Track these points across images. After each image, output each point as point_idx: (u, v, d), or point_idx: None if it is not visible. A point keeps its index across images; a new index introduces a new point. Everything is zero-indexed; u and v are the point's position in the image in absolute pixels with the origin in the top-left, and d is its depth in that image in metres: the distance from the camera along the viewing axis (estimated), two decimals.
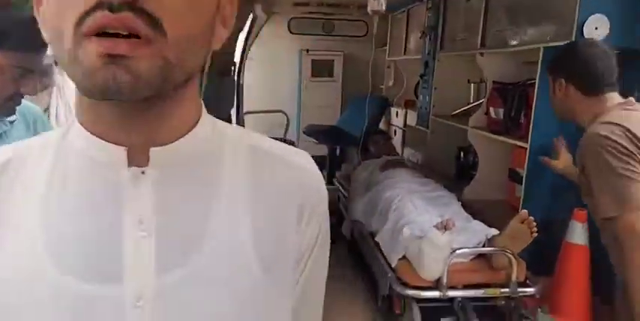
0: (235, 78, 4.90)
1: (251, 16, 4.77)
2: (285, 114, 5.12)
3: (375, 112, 5.28)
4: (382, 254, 2.55)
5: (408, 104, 4.89)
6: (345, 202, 3.73)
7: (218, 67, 3.44)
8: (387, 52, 5.40)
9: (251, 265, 0.56)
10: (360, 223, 3.16)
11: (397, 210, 2.72)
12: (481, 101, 3.53)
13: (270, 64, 5.90)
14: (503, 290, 2.23)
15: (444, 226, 2.11)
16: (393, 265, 2.37)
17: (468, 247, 2.25)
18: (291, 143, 4.69)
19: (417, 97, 4.55)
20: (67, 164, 0.57)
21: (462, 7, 3.61)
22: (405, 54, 4.86)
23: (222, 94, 3.93)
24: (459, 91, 4.04)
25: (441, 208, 2.77)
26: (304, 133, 5.03)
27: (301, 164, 0.63)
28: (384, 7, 3.34)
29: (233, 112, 5.01)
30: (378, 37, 4.74)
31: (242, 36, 4.78)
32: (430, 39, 4.06)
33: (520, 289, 2.23)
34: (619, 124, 1.64)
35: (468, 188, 3.36)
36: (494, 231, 2.33)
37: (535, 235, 2.17)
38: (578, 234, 2.35)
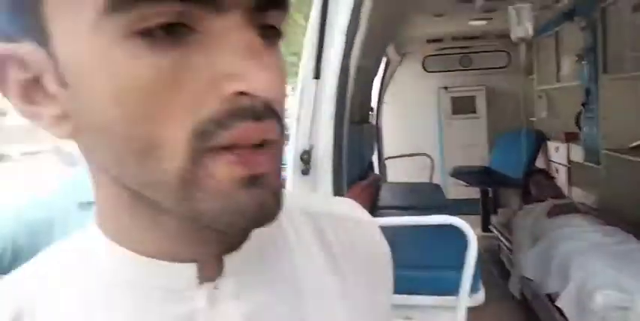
0: (374, 123, 4.73)
1: (385, 59, 4.61)
2: (429, 156, 4.80)
3: (530, 148, 4.79)
4: None
5: (570, 137, 4.33)
6: (509, 253, 3.29)
7: (357, 114, 3.25)
8: (535, 80, 4.92)
9: None
10: (532, 281, 2.71)
11: (582, 268, 2.26)
12: None
13: (408, 106, 5.66)
14: None
15: None
16: None
17: None
18: (437, 187, 4.34)
19: (579, 129, 4.01)
20: (103, 305, 0.40)
21: (627, 21, 3.12)
22: (558, 81, 4.36)
23: (362, 142, 3.76)
24: (636, 119, 3.47)
25: (635, 268, 2.26)
26: (451, 175, 4.66)
27: (356, 216, 0.55)
28: (530, 32, 2.98)
29: (375, 158, 4.82)
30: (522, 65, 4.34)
31: (377, 80, 4.60)
32: (589, 62, 3.58)
33: None
34: None
35: None
36: None
37: None
38: None
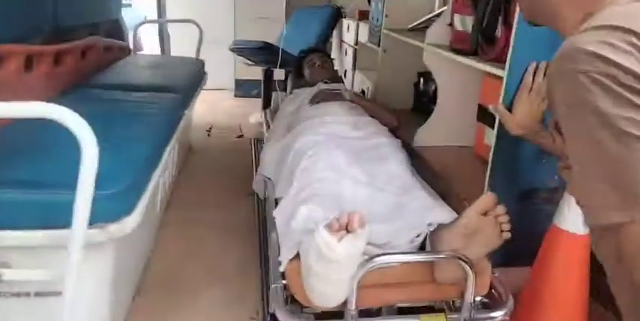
0: None
1: None
2: (197, 24, 4.03)
3: (322, 25, 4.24)
4: (278, 245, 1.65)
5: (362, 15, 3.84)
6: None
7: None
8: None
9: None
10: (271, 182, 2.25)
11: (306, 171, 1.82)
12: (444, 8, 2.55)
13: None
14: (452, 316, 1.37)
15: (342, 227, 1.19)
16: (281, 269, 1.48)
17: (391, 253, 1.36)
18: (197, 63, 3.68)
19: (369, 4, 3.52)
20: None
21: None
22: None
23: None
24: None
25: (371, 166, 1.87)
26: (231, 50, 4.00)
27: None
28: None
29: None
30: None
31: None
32: None
33: (480, 316, 1.37)
34: (626, 29, 0.72)
35: (421, 130, 2.45)
36: (443, 216, 1.45)
37: (507, 236, 1.29)
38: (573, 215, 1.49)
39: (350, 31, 3.98)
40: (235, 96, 5.28)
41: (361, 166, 1.85)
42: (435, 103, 2.80)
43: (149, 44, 5.45)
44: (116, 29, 3.63)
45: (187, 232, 2.55)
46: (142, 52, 4.80)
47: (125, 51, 3.70)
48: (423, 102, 2.95)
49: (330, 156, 1.86)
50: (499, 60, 1.74)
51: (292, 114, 2.71)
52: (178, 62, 3.68)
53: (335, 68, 3.26)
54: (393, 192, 1.70)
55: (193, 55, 3.94)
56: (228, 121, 4.45)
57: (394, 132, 2.38)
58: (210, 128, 4.21)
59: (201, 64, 3.72)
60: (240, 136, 4.03)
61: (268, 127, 3.08)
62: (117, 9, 3.67)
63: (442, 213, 1.48)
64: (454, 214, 1.46)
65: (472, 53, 1.95)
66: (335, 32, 4.42)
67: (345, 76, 4.12)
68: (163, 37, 4.90)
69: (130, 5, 5.82)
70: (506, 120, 1.47)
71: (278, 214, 1.74)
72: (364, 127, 2.27)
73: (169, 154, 2.23)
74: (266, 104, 4.10)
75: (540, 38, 1.41)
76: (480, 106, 2.23)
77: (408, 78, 3.07)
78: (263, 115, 3.49)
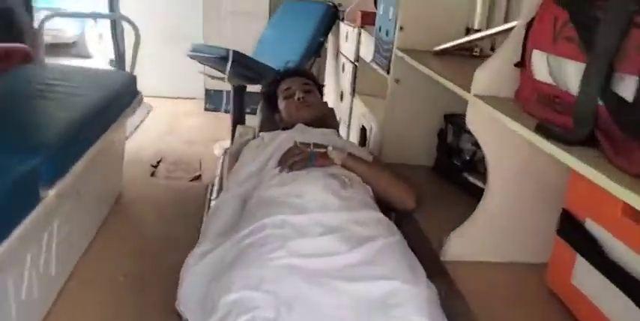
0: None
1: None
2: (130, 22, 3.04)
3: (316, 26, 3.27)
4: None
5: (366, 19, 2.83)
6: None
7: None
8: None
9: None
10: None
11: None
12: (500, 29, 1.58)
13: None
14: None
15: None
16: None
17: None
18: (132, 81, 2.65)
19: (376, 6, 2.52)
20: None
21: None
22: None
23: None
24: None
25: None
26: (190, 57, 3.01)
27: None
28: None
29: None
30: None
31: None
32: None
33: None
34: None
35: (456, 235, 1.45)
36: None
37: None
38: None
39: (349, 40, 2.97)
40: (205, 110, 4.27)
41: None
42: (471, 167, 1.84)
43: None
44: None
45: None
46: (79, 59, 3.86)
47: (18, 56, 2.62)
48: (451, 161, 1.97)
49: None
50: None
51: (252, 177, 1.74)
52: (90, 82, 2.43)
53: (324, 100, 2.25)
54: None
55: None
56: (187, 151, 3.39)
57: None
58: (158, 162, 3.17)
59: (129, 81, 2.60)
60: (197, 178, 3.00)
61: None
62: None
63: None
64: None
65: (579, 140, 0.96)
66: (331, 37, 3.42)
67: (341, 99, 3.11)
68: (117, 38, 3.95)
69: None
70: None
71: None
72: (358, 231, 1.32)
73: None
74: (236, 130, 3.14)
75: None
76: (565, 213, 1.25)
77: (431, 122, 2.09)
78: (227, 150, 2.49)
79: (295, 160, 1.66)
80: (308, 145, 1.73)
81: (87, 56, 6.95)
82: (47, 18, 3.02)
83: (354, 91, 2.83)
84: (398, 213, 1.76)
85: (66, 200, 1.75)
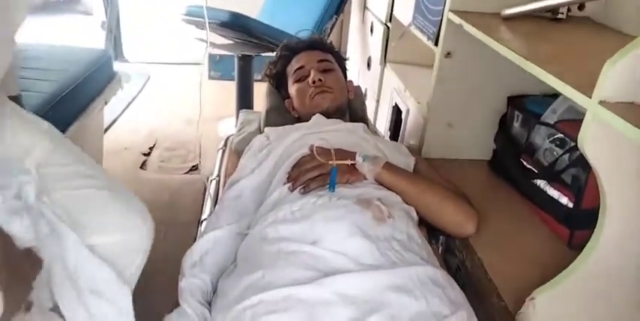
0: None
1: None
2: None
3: None
4: None
5: None
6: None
7: None
8: None
9: None
10: None
11: None
12: None
13: None
14: None
15: None
16: None
17: None
18: (108, 60, 2.11)
19: None
20: None
21: None
22: None
23: None
24: None
25: None
26: (184, 21, 2.47)
27: None
28: None
29: None
30: None
31: None
32: None
33: None
34: None
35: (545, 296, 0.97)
36: None
37: None
38: None
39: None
40: (210, 78, 3.72)
41: None
42: (551, 175, 1.33)
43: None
44: None
45: None
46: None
47: None
48: (516, 160, 1.45)
49: None
50: None
51: (252, 201, 1.25)
52: (52, 63, 1.90)
53: (349, 80, 1.71)
54: None
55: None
56: (185, 132, 2.87)
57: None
58: (151, 148, 2.65)
59: (103, 60, 2.05)
60: (194, 168, 2.50)
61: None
62: None
63: None
64: None
65: None
66: None
67: (368, 67, 2.55)
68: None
69: None
70: None
71: None
72: (405, 305, 0.85)
73: None
74: (243, 104, 2.65)
75: None
76: None
77: (491, 106, 1.56)
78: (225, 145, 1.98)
79: (311, 176, 1.17)
80: (328, 150, 1.22)
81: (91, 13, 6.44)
82: None
83: (384, 60, 2.28)
84: (448, 236, 1.30)
85: None
